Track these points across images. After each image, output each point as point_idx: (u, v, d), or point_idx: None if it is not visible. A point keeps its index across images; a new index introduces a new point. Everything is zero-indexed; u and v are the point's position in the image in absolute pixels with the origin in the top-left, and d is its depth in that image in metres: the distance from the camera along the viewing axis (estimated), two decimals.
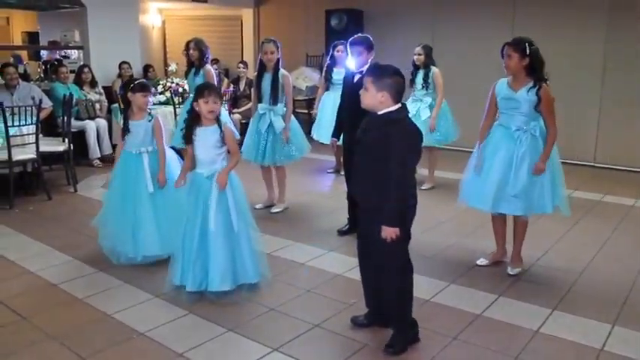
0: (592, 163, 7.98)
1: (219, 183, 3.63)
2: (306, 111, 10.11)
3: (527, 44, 3.80)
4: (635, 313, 3.56)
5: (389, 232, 2.86)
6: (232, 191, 3.71)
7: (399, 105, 2.93)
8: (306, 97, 10.11)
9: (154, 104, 7.94)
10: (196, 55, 5.81)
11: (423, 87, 6.32)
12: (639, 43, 7.45)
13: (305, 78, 10.08)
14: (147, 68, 9.40)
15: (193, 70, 5.88)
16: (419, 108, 6.33)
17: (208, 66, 5.91)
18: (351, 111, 4.64)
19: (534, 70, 3.82)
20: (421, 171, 6.53)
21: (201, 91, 3.64)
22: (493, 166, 3.96)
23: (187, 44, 5.91)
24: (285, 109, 5.37)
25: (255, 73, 5.54)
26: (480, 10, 8.63)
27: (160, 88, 8.32)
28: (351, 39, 4.69)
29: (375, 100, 2.90)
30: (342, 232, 4.91)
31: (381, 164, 2.85)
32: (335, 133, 5.03)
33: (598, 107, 7.88)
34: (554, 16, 7.95)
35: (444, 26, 8.97)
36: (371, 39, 4.68)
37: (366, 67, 4.59)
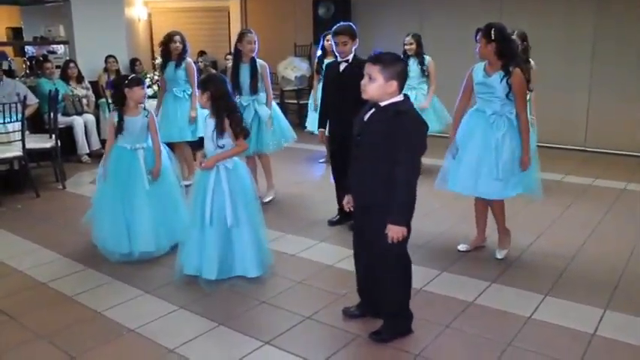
0: (583, 148, 7.98)
1: (203, 164, 3.70)
2: (295, 101, 10.09)
3: (492, 29, 3.79)
4: (627, 296, 3.56)
5: (396, 232, 2.76)
6: (231, 184, 3.70)
7: (403, 95, 2.82)
8: (295, 88, 10.07)
9: None
10: (180, 49, 5.78)
11: (422, 75, 6.46)
12: (628, 27, 7.44)
13: (294, 68, 10.02)
14: (133, 62, 9.28)
15: (174, 64, 5.84)
16: (416, 96, 6.39)
17: (189, 59, 5.90)
18: (337, 101, 4.61)
19: (503, 55, 3.81)
20: None
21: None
22: (470, 151, 3.97)
23: (170, 37, 5.85)
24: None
25: (230, 64, 5.52)
26: None
27: (147, 82, 8.21)
28: (334, 28, 4.63)
29: (382, 90, 2.75)
30: (332, 223, 4.88)
31: (386, 159, 2.73)
32: (321, 124, 4.95)
33: (588, 91, 7.86)
34: (543, 0, 7.92)
35: (432, 14, 8.92)
36: (354, 27, 4.62)
37: (351, 56, 4.55)
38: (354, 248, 3.19)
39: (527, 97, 5.27)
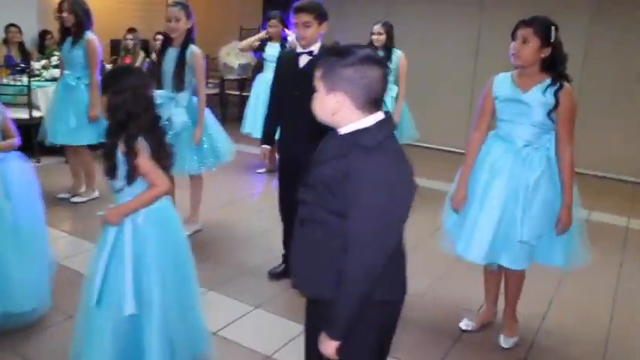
0: None
1: (106, 218, 2.24)
2: (237, 92, 8.99)
3: (553, 28, 2.61)
4: None
5: (328, 347, 1.64)
6: (138, 247, 2.23)
7: (377, 117, 1.63)
8: (238, 77, 8.91)
9: (47, 80, 6.40)
10: (72, 20, 4.33)
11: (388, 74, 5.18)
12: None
13: (237, 54, 8.71)
14: (43, 35, 7.84)
15: (70, 40, 4.43)
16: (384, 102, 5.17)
17: (91, 34, 4.42)
18: (291, 107, 3.27)
19: (555, 64, 2.64)
20: None
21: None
22: (491, 197, 2.70)
23: (60, 5, 4.51)
24: (190, 98, 3.92)
25: (158, 49, 4.09)
26: None
27: (54, 60, 6.74)
28: (295, 4, 3.30)
29: (326, 108, 1.62)
30: (274, 275, 3.53)
31: (339, 223, 1.58)
32: (266, 138, 3.55)
33: None
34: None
35: (402, 3, 7.74)
36: (323, 6, 3.32)
37: (317, 46, 3.25)
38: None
39: None
